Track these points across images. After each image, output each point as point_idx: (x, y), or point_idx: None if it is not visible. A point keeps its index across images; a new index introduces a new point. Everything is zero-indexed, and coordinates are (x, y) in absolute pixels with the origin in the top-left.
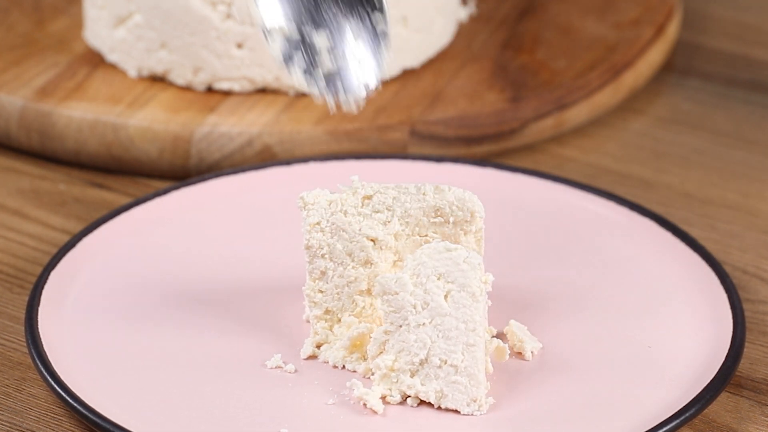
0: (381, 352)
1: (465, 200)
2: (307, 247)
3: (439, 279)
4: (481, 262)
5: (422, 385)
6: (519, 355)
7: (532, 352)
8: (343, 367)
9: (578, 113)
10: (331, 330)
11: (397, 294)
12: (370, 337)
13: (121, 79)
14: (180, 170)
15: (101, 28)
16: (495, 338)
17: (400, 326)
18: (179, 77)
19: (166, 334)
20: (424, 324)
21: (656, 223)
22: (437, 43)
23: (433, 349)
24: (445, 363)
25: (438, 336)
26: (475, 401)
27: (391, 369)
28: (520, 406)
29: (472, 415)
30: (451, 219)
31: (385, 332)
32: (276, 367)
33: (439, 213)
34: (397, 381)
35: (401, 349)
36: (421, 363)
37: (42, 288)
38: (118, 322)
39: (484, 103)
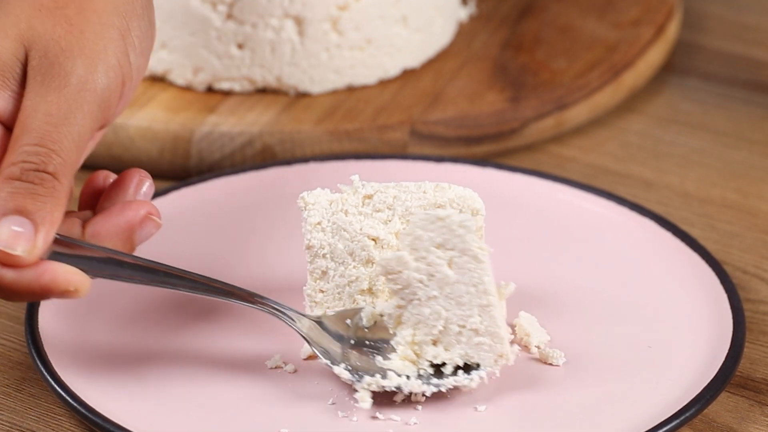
0: (399, 325)
1: (466, 198)
2: (308, 247)
3: (438, 249)
4: (474, 224)
5: (446, 351)
6: (525, 348)
7: (537, 347)
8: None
9: (578, 113)
10: None
11: (401, 272)
12: (380, 316)
13: None
14: (180, 170)
15: None
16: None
17: (411, 301)
18: (179, 77)
19: (166, 334)
20: (435, 296)
21: (656, 223)
22: (437, 43)
23: (450, 318)
24: (464, 328)
25: (452, 305)
26: (501, 356)
27: (412, 342)
28: (520, 406)
29: (494, 374)
30: None
31: (398, 306)
32: (276, 367)
33: None
34: (421, 352)
35: (417, 321)
36: (441, 333)
37: None
38: (118, 322)
39: (484, 103)
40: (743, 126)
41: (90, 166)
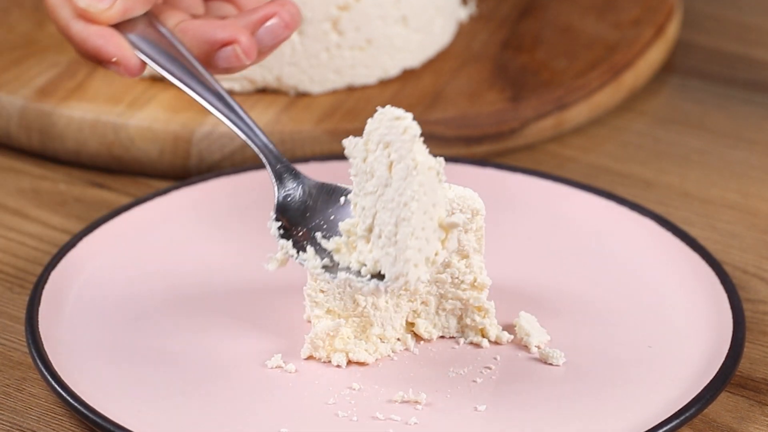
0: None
1: (466, 198)
2: None
3: (386, 148)
4: (418, 133)
5: (370, 252)
6: (525, 348)
7: (537, 347)
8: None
9: (578, 113)
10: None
11: (356, 159)
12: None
13: (121, 79)
14: (180, 170)
15: None
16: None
17: (361, 191)
18: None
19: (166, 334)
20: (372, 192)
21: (656, 223)
22: (437, 43)
23: (377, 219)
24: (383, 234)
25: (381, 207)
26: (403, 276)
27: (349, 231)
28: (520, 406)
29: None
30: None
31: (355, 194)
32: (276, 367)
33: None
34: (355, 245)
35: (359, 214)
36: (368, 230)
37: (42, 288)
38: (118, 322)
39: (484, 103)
40: (743, 126)
41: (90, 166)
